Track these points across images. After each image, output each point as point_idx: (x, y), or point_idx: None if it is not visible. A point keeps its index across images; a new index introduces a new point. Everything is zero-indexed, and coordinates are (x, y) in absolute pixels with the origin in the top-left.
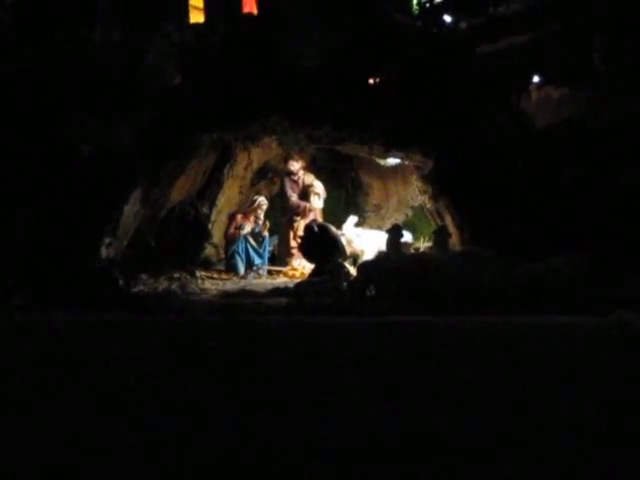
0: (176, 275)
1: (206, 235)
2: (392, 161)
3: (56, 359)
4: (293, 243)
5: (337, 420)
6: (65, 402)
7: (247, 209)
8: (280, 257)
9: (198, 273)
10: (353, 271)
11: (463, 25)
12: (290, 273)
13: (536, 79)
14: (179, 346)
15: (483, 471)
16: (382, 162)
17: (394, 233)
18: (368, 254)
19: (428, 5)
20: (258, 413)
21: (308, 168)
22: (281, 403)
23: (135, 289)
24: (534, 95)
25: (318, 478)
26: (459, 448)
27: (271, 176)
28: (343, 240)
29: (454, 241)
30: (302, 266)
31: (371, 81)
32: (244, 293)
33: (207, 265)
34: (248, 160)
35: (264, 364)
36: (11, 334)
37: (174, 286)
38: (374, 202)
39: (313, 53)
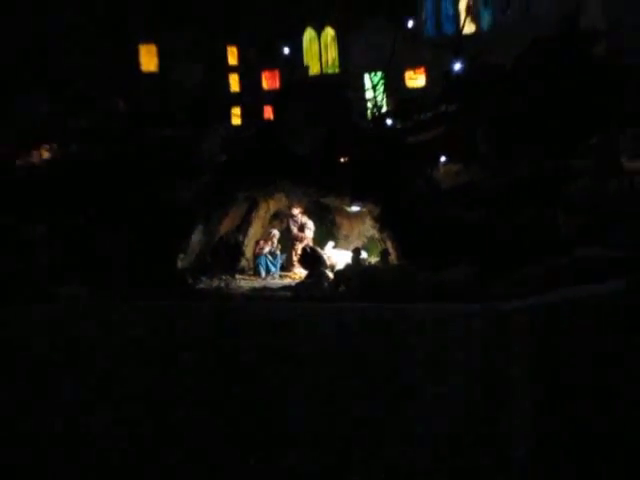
0: (223, 277)
1: (241, 253)
2: (355, 208)
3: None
4: (295, 258)
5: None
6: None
7: (266, 237)
8: (287, 267)
9: (236, 276)
10: (331, 275)
11: (399, 125)
12: (293, 277)
13: (443, 158)
14: (224, 316)
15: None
16: (349, 209)
17: (356, 253)
18: (340, 265)
19: (377, 114)
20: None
21: (303, 213)
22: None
23: (198, 286)
24: (442, 169)
25: None
26: None
27: (281, 217)
28: (325, 257)
29: (392, 258)
30: (300, 272)
31: (342, 160)
32: (264, 289)
33: (242, 271)
34: (267, 208)
35: (275, 328)
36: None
37: (222, 284)
38: (344, 233)
39: (306, 144)
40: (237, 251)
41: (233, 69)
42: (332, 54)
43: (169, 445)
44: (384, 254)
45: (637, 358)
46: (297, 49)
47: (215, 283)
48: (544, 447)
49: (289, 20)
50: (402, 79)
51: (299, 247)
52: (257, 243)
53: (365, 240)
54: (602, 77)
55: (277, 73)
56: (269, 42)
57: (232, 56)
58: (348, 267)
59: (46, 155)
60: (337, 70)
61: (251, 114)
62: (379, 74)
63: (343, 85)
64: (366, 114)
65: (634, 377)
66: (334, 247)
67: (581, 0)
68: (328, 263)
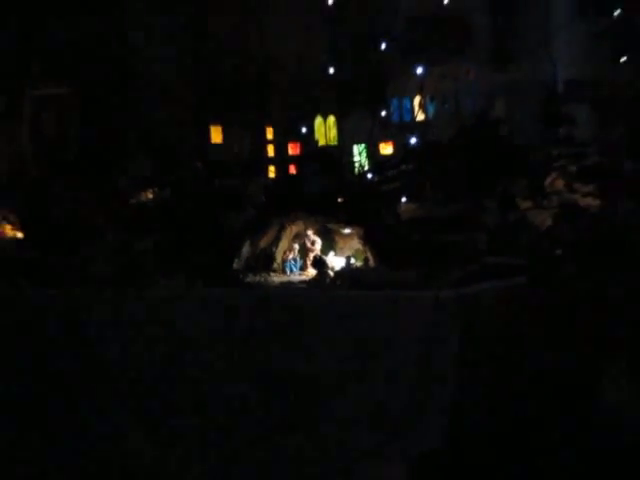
0: (262, 275)
1: (274, 259)
2: (347, 230)
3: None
4: (308, 263)
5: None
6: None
7: (290, 249)
8: (303, 268)
9: (271, 274)
10: (332, 274)
11: (375, 179)
12: (307, 275)
13: (404, 199)
14: (264, 296)
15: None
16: (343, 231)
17: (347, 259)
18: (337, 267)
19: (361, 171)
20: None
21: (314, 233)
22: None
23: (246, 280)
24: (403, 206)
25: None
26: None
27: (300, 236)
28: (328, 262)
29: (371, 263)
30: (312, 272)
31: (339, 199)
32: (289, 282)
33: (274, 271)
34: (290, 230)
35: (294, 302)
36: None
37: (261, 279)
38: (340, 246)
39: (315, 189)
40: (271, 258)
41: (270, 141)
42: (333, 132)
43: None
44: (365, 260)
45: (533, 332)
46: (310, 129)
47: (257, 278)
48: (465, 388)
49: (306, 110)
50: (378, 149)
51: (311, 255)
52: (284, 253)
53: (353, 251)
54: (504, 148)
55: (298, 144)
56: (293, 124)
57: (269, 132)
58: (342, 269)
59: (150, 195)
60: (336, 143)
61: (280, 170)
62: (363, 145)
63: (340, 153)
64: (354, 171)
65: (533, 346)
66: (334, 255)
67: (492, 101)
68: (330, 266)
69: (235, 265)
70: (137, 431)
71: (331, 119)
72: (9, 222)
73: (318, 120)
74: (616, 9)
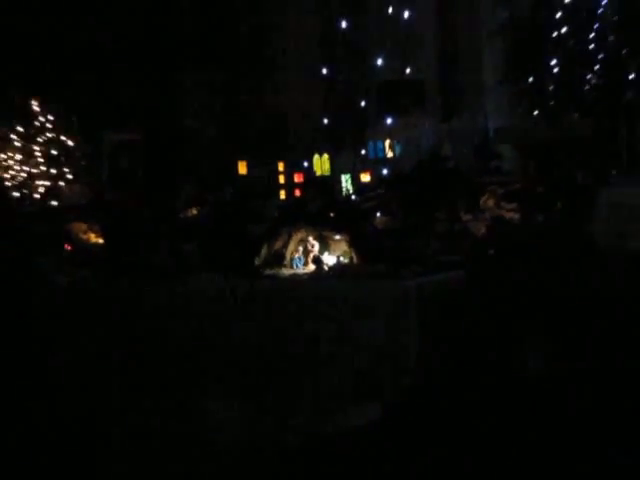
0: (275, 269)
1: (284, 258)
2: (337, 237)
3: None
4: (309, 260)
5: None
6: None
7: (296, 250)
8: (305, 265)
9: (282, 268)
10: (326, 269)
11: (358, 199)
12: (308, 269)
13: (378, 214)
14: (278, 283)
15: None
16: (334, 237)
17: (338, 258)
18: (330, 264)
19: (348, 194)
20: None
21: (314, 239)
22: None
23: (264, 273)
24: (378, 219)
25: None
26: None
27: (303, 241)
28: (323, 260)
29: (354, 261)
30: (312, 267)
31: (331, 214)
32: (294, 274)
33: (284, 267)
34: (297, 237)
35: (296, 288)
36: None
37: (275, 272)
38: (332, 248)
39: (314, 207)
40: (282, 257)
41: (280, 172)
42: (327, 166)
43: None
44: (350, 258)
45: (470, 309)
46: (310, 163)
47: (271, 272)
48: (423, 350)
49: (307, 150)
50: (359, 178)
51: (311, 255)
52: (291, 253)
53: (342, 252)
54: (450, 177)
55: (302, 174)
56: (297, 160)
57: (280, 166)
58: (334, 264)
59: (195, 212)
60: (329, 173)
61: (289, 193)
62: (348, 175)
63: (332, 181)
64: (342, 194)
65: (470, 318)
66: (328, 255)
67: (441, 142)
68: (325, 263)
69: (256, 262)
70: (197, 385)
71: (325, 156)
72: (93, 231)
73: (316, 157)
74: (530, 76)
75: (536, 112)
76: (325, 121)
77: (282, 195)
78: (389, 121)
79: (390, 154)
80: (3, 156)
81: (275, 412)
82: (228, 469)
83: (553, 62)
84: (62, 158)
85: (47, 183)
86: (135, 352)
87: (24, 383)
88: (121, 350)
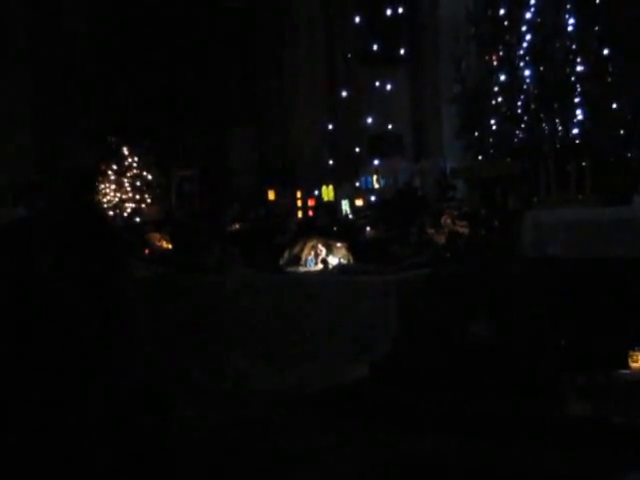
0: (294, 267)
1: (300, 259)
2: (339, 244)
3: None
4: (318, 261)
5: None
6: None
7: (309, 254)
8: (316, 264)
9: (299, 267)
10: (330, 267)
11: (354, 218)
12: (318, 268)
13: (368, 228)
14: (294, 278)
15: None
16: (337, 245)
17: (339, 259)
18: (334, 264)
19: (346, 214)
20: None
21: (322, 246)
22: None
23: (286, 270)
24: (368, 232)
25: None
26: None
27: (315, 247)
28: (329, 261)
29: (351, 261)
30: (320, 266)
31: (334, 229)
32: (309, 271)
33: (301, 265)
34: (311, 245)
35: (308, 281)
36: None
37: (294, 270)
38: (335, 252)
39: (322, 223)
40: (299, 258)
41: (298, 198)
42: (331, 194)
43: None
44: (348, 260)
45: (436, 298)
46: (320, 191)
47: (292, 269)
48: (401, 330)
49: (318, 182)
50: (354, 202)
51: (320, 257)
52: (306, 256)
53: (342, 255)
54: (419, 202)
55: (313, 199)
56: (310, 189)
57: (298, 193)
58: (336, 264)
59: (237, 226)
60: (333, 199)
61: (304, 213)
62: (347, 200)
63: (335, 204)
64: (342, 214)
65: (436, 305)
66: (332, 257)
67: (413, 178)
68: (330, 263)
69: (280, 262)
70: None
71: (330, 186)
72: (165, 240)
73: (323, 187)
74: (476, 132)
75: (480, 157)
76: (330, 162)
77: (299, 214)
78: (376, 162)
79: (377, 185)
80: (103, 186)
81: (290, 370)
82: (258, 413)
83: (492, 122)
84: (143, 187)
85: (133, 205)
86: (194, 326)
87: (117, 345)
88: (184, 325)
